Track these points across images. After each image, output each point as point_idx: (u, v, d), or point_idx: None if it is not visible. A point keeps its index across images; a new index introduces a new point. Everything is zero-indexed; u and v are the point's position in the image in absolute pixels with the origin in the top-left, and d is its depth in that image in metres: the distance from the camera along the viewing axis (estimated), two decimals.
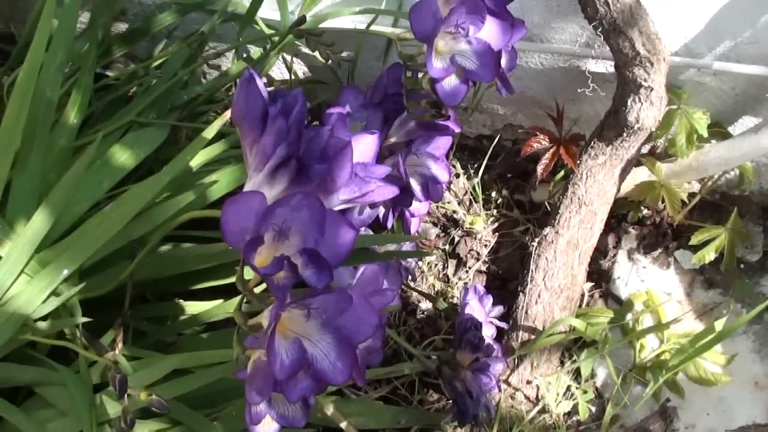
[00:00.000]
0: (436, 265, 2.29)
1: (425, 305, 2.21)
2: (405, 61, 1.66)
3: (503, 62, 1.62)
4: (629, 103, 1.83)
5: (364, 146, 1.30)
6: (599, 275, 2.25)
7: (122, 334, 1.46)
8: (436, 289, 2.24)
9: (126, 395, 1.26)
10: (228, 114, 1.54)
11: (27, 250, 1.47)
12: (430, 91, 1.59)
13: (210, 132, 1.53)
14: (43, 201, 1.48)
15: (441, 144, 1.78)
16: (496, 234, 2.31)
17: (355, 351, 1.11)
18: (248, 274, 1.17)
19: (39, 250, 1.49)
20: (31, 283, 1.47)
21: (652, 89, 1.79)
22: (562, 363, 2.06)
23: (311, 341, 1.10)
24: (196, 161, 1.65)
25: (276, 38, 1.99)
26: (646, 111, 1.82)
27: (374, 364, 1.38)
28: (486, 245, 2.29)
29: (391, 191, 1.22)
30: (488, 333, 1.86)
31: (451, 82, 1.56)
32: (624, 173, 1.99)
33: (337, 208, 1.19)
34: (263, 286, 1.20)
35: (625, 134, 1.89)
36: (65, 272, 1.45)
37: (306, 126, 1.15)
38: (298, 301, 1.07)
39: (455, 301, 2.19)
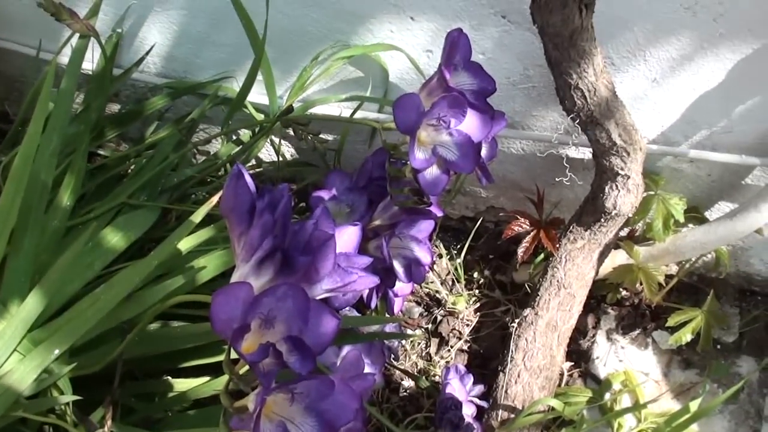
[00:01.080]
0: (418, 343, 2.32)
1: (408, 383, 2.23)
2: (389, 149, 1.71)
3: (483, 152, 1.67)
4: (607, 190, 1.87)
5: (347, 237, 1.35)
6: (578, 355, 2.28)
7: (111, 411, 1.49)
8: (418, 367, 2.27)
9: None
10: (216, 198, 1.58)
11: (20, 329, 1.49)
12: (413, 179, 1.64)
13: (197, 216, 1.56)
14: (37, 283, 1.51)
15: (424, 227, 1.81)
16: (478, 314, 2.35)
17: None
18: (234, 355, 1.21)
19: (31, 330, 1.50)
20: (23, 361, 1.49)
21: (628, 177, 1.84)
22: None
23: (295, 424, 1.13)
24: (185, 245, 1.68)
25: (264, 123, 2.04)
26: (623, 198, 1.87)
27: None
28: (468, 324, 2.32)
29: (371, 281, 1.26)
30: (468, 412, 1.88)
31: (432, 172, 1.61)
32: (602, 257, 2.03)
33: (320, 297, 1.24)
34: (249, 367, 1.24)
35: (602, 220, 1.93)
36: (56, 352, 1.47)
37: (291, 219, 1.20)
38: (282, 386, 1.11)
39: (437, 379, 2.21)
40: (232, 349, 1.18)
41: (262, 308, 1.10)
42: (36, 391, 1.51)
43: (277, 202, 1.17)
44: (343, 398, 1.14)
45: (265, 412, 1.13)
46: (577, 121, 1.77)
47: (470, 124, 1.59)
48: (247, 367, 1.24)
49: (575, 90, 1.70)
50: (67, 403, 1.52)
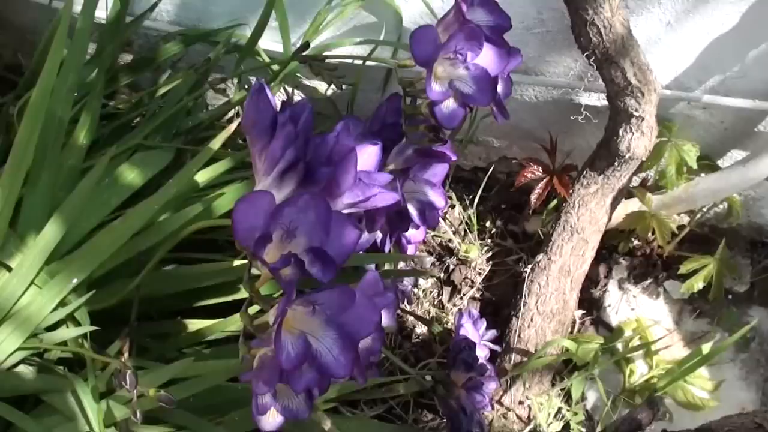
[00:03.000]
0: (431, 291, 2.33)
1: (420, 329, 2.24)
2: (404, 86, 1.70)
3: (499, 88, 1.66)
4: (621, 133, 1.87)
5: (367, 156, 1.35)
6: (591, 303, 2.29)
7: (128, 344, 1.50)
8: (431, 314, 2.28)
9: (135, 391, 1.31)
10: (234, 126, 1.58)
11: (37, 261, 1.50)
12: (429, 115, 1.63)
13: (216, 143, 1.56)
14: (53, 215, 1.52)
15: (438, 171, 1.81)
16: (490, 263, 2.35)
17: (357, 347, 1.16)
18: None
19: (49, 262, 1.52)
20: (41, 293, 1.50)
21: (643, 119, 1.84)
22: (553, 385, 2.10)
23: (315, 337, 1.14)
24: (202, 178, 1.68)
25: (277, 69, 2.04)
26: (637, 140, 1.87)
27: (372, 377, 1.42)
28: (480, 273, 2.33)
29: (392, 197, 1.26)
30: (482, 354, 1.89)
31: (449, 105, 1.60)
32: (615, 202, 2.03)
33: None
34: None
35: (616, 163, 1.93)
36: (74, 281, 1.48)
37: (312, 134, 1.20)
38: (303, 297, 1.11)
39: (450, 326, 2.22)
40: (251, 273, 1.19)
41: (283, 218, 1.10)
42: (53, 323, 1.52)
43: (298, 116, 1.17)
44: (363, 311, 1.14)
45: (285, 326, 1.13)
46: (593, 59, 1.77)
47: (486, 57, 1.59)
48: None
49: (591, 26, 1.70)
50: (84, 336, 1.52)
